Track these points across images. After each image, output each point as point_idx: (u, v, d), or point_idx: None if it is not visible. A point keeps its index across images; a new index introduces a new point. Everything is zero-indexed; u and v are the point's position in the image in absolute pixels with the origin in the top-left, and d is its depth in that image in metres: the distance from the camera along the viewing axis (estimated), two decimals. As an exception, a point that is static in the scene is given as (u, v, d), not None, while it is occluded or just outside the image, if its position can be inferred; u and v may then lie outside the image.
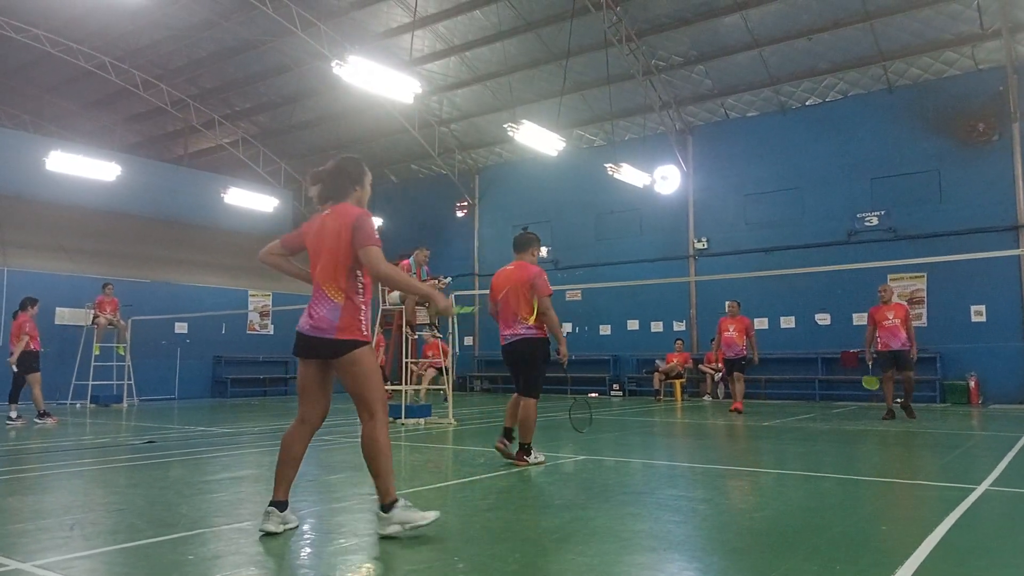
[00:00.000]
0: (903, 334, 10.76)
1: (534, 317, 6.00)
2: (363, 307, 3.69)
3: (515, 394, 6.29)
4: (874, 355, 11.01)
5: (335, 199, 3.87)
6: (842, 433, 9.09)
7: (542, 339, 6.08)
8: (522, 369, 6.10)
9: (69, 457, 7.06)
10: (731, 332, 12.47)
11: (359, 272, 3.67)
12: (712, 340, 14.16)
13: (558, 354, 6.22)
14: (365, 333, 3.68)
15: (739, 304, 13.12)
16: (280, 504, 3.66)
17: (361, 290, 3.68)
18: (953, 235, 15.10)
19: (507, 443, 6.25)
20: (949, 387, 14.72)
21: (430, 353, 14.29)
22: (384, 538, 3.53)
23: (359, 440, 3.73)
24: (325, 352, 3.64)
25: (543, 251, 21.44)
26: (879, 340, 10.90)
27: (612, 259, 19.34)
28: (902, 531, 3.88)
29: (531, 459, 6.05)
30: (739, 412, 12.06)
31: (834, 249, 16.39)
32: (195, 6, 17.86)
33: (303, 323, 3.71)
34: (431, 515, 3.61)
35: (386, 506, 3.56)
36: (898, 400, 11.23)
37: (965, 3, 14.43)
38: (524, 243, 6.45)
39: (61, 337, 15.66)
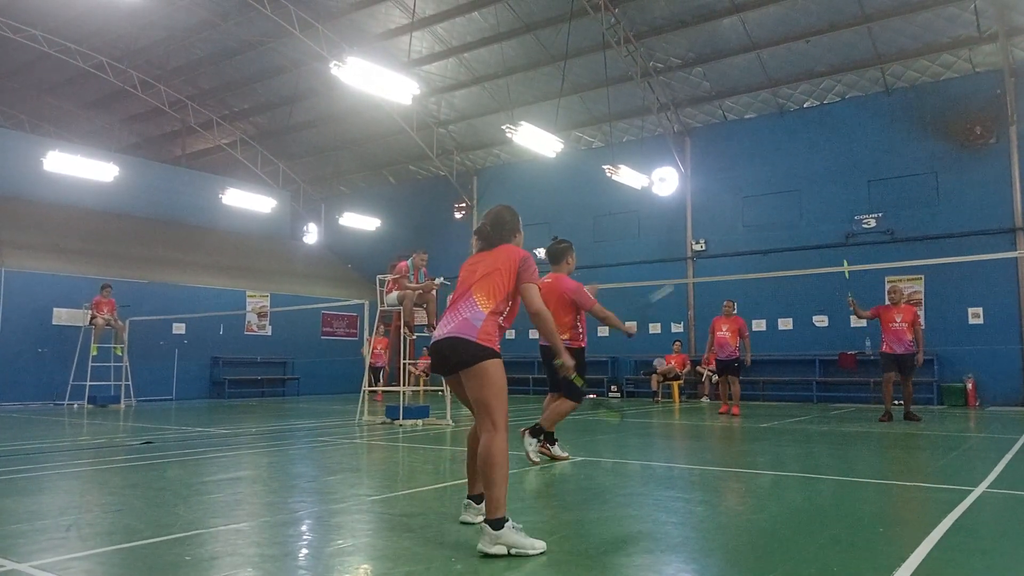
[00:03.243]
0: (908, 337, 10.65)
1: (568, 331, 6.13)
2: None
3: (549, 393, 6.48)
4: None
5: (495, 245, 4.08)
6: (840, 435, 9.10)
7: (578, 350, 6.13)
8: (559, 377, 6.18)
9: (66, 458, 7.05)
10: (724, 332, 12.39)
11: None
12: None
13: (627, 332, 6.66)
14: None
15: (735, 304, 13.11)
16: (476, 498, 3.91)
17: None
18: (951, 237, 15.13)
19: (547, 446, 6.38)
20: (946, 389, 14.75)
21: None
22: (485, 555, 3.31)
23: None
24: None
25: (541, 253, 21.55)
26: (884, 342, 10.83)
27: (610, 261, 19.35)
28: (900, 533, 3.88)
29: (554, 450, 6.23)
30: (735, 415, 12.04)
31: (832, 251, 16.40)
32: (193, 7, 17.86)
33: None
34: (540, 545, 3.41)
35: (495, 522, 3.37)
36: (897, 402, 11.22)
37: (962, 6, 14.47)
38: (559, 254, 6.43)
39: (59, 337, 15.65)
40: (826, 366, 16.40)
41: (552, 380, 6.44)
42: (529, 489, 5.27)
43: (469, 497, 4.00)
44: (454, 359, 3.62)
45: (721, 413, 12.27)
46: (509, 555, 3.31)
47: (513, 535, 3.39)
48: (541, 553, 3.35)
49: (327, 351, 21.01)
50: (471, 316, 3.69)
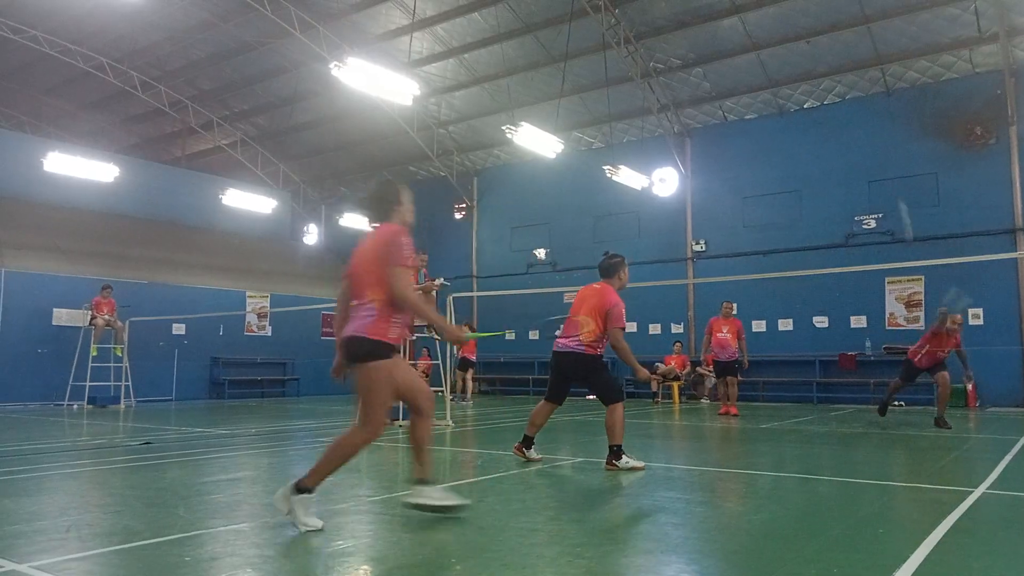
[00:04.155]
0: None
1: (594, 339, 6.07)
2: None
3: (545, 401, 6.35)
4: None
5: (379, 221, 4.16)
6: (840, 436, 9.10)
7: (595, 356, 6.11)
8: (589, 384, 6.20)
9: (66, 458, 7.04)
10: (724, 334, 12.43)
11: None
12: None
13: (637, 376, 6.43)
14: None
15: (734, 306, 13.14)
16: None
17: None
18: (951, 238, 15.11)
19: (526, 451, 6.31)
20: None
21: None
22: (388, 534, 3.64)
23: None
24: None
25: (541, 253, 21.62)
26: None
27: (610, 261, 19.30)
28: (900, 534, 3.88)
29: (621, 463, 5.89)
30: (733, 415, 12.07)
31: (832, 252, 16.40)
32: (193, 7, 17.86)
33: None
34: (315, 523, 3.76)
35: (299, 486, 3.77)
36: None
37: (962, 7, 14.46)
38: (611, 268, 6.38)
39: (58, 338, 15.65)
40: (826, 367, 16.39)
41: (552, 387, 6.34)
42: (529, 490, 5.27)
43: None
44: (349, 356, 3.89)
45: (721, 414, 12.27)
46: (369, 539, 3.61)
47: (298, 506, 3.73)
48: (319, 529, 3.72)
49: (327, 351, 20.88)
50: (365, 313, 3.83)
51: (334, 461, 3.82)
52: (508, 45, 18.03)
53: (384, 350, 3.80)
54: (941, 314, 10.09)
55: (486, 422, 11.57)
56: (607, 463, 5.97)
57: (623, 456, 5.92)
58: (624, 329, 6.14)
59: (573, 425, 10.80)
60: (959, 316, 10.05)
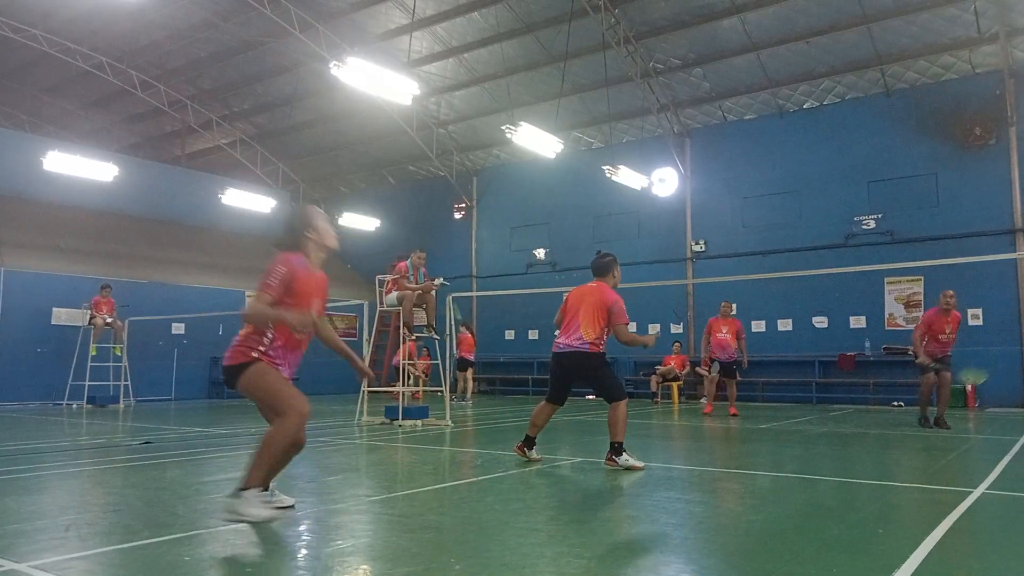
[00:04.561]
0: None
1: (594, 335, 6.06)
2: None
3: (544, 401, 6.36)
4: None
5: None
6: (839, 436, 9.10)
7: (598, 354, 6.12)
8: (592, 383, 6.18)
9: (66, 457, 7.04)
10: (724, 334, 12.45)
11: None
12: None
13: (648, 343, 6.49)
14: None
15: (733, 306, 13.16)
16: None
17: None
18: (950, 239, 15.12)
19: (527, 451, 6.31)
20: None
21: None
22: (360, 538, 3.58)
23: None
24: None
25: (540, 253, 21.61)
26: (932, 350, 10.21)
27: (610, 261, 19.29)
28: (899, 534, 3.88)
29: (621, 460, 5.91)
30: (733, 415, 12.10)
31: (832, 252, 16.41)
32: (193, 7, 17.85)
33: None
34: (267, 514, 3.74)
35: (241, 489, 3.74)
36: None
37: (962, 7, 14.47)
38: (604, 267, 6.42)
39: (58, 337, 15.65)
40: (825, 367, 16.40)
41: (553, 388, 6.32)
42: (529, 489, 5.27)
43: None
44: (229, 384, 3.98)
45: (732, 415, 12.23)
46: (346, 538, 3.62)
47: (241, 502, 3.67)
48: (276, 516, 3.80)
49: (326, 351, 20.93)
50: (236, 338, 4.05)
51: (266, 457, 3.78)
52: (508, 45, 18.03)
53: (245, 366, 3.93)
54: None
55: (486, 422, 11.57)
56: (607, 459, 6.00)
57: (623, 453, 5.94)
58: (627, 325, 6.17)
59: (573, 425, 10.80)
60: (950, 291, 9.95)
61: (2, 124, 23.08)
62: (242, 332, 4.02)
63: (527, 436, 6.37)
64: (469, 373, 17.27)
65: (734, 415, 12.20)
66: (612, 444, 5.99)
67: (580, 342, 6.07)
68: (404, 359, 11.26)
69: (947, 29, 14.97)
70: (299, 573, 3.17)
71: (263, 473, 3.80)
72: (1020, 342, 14.58)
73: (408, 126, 21.14)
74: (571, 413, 12.53)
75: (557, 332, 6.39)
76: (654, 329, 18.76)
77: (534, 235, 21.30)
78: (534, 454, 6.35)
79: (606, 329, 6.12)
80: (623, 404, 6.02)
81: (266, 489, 3.93)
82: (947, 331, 9.82)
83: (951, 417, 12.10)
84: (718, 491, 5.30)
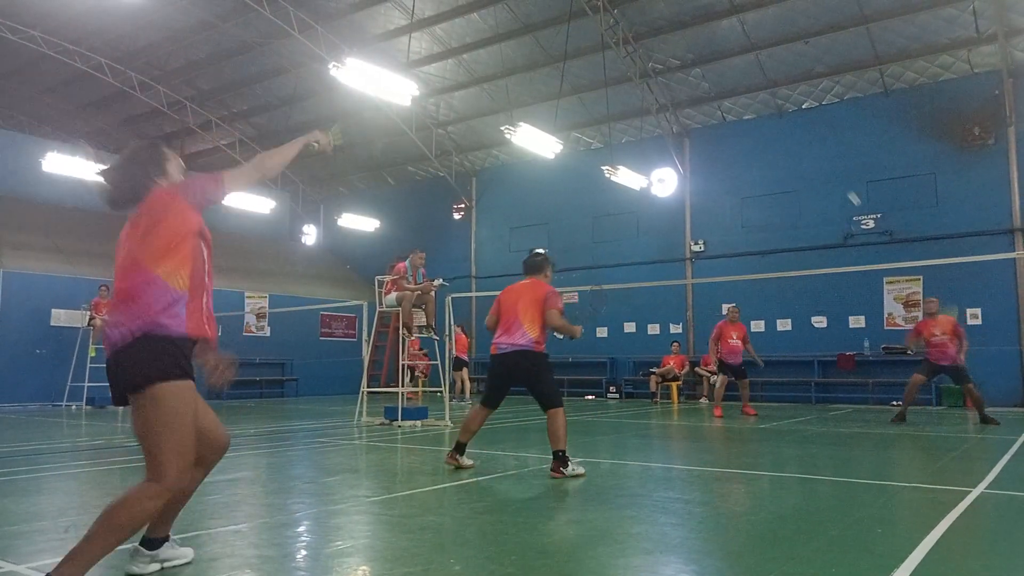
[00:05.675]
0: (952, 350, 10.48)
1: (538, 332, 5.90)
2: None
3: (480, 406, 6.11)
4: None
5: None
6: (838, 436, 9.11)
7: (542, 354, 5.95)
8: (532, 385, 5.91)
9: (64, 459, 7.04)
10: (735, 340, 12.48)
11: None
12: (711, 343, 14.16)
13: (574, 333, 6.13)
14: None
15: (739, 310, 13.21)
16: (151, 542, 3.11)
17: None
18: (949, 238, 15.14)
19: (459, 458, 6.02)
20: (945, 390, 14.74)
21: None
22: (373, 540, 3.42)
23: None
24: None
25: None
26: (928, 356, 10.69)
27: (609, 261, 19.35)
28: (898, 534, 3.88)
29: (568, 470, 5.61)
30: (751, 415, 12.21)
31: (830, 252, 16.42)
32: (192, 8, 17.84)
33: None
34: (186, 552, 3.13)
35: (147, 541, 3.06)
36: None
37: (961, 7, 14.48)
38: (537, 266, 6.28)
39: (57, 338, 15.63)
40: (825, 367, 16.40)
41: (492, 391, 6.11)
42: (528, 490, 5.27)
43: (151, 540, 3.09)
44: (121, 381, 2.80)
45: (749, 415, 12.25)
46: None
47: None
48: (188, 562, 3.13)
49: (326, 352, 21.01)
50: (131, 310, 2.74)
51: (114, 538, 2.64)
52: (507, 45, 18.03)
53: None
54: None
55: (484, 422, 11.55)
56: (553, 470, 5.65)
57: (569, 463, 5.66)
58: (563, 312, 5.96)
59: (572, 425, 10.77)
60: (929, 302, 11.02)
61: (2, 125, 23.07)
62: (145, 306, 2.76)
63: (458, 443, 6.07)
64: (464, 373, 17.27)
65: (753, 415, 12.25)
66: (556, 454, 5.67)
67: (525, 339, 5.88)
68: (405, 359, 11.25)
69: (946, 29, 14.99)
70: (299, 574, 3.17)
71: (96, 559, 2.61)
72: (1019, 341, 14.59)
73: (407, 127, 21.14)
74: (571, 413, 12.50)
75: (494, 334, 6.17)
76: (653, 329, 18.89)
77: (533, 235, 21.29)
78: (466, 460, 6.07)
79: (545, 326, 5.96)
80: (561, 411, 5.77)
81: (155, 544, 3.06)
82: (937, 333, 10.42)
83: (952, 416, 12.11)
84: (718, 491, 5.30)
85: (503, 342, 5.99)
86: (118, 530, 2.62)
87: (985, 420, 10.27)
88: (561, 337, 6.21)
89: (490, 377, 6.17)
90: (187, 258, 2.87)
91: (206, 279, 2.98)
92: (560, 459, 5.65)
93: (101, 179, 3.04)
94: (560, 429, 5.70)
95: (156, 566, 3.06)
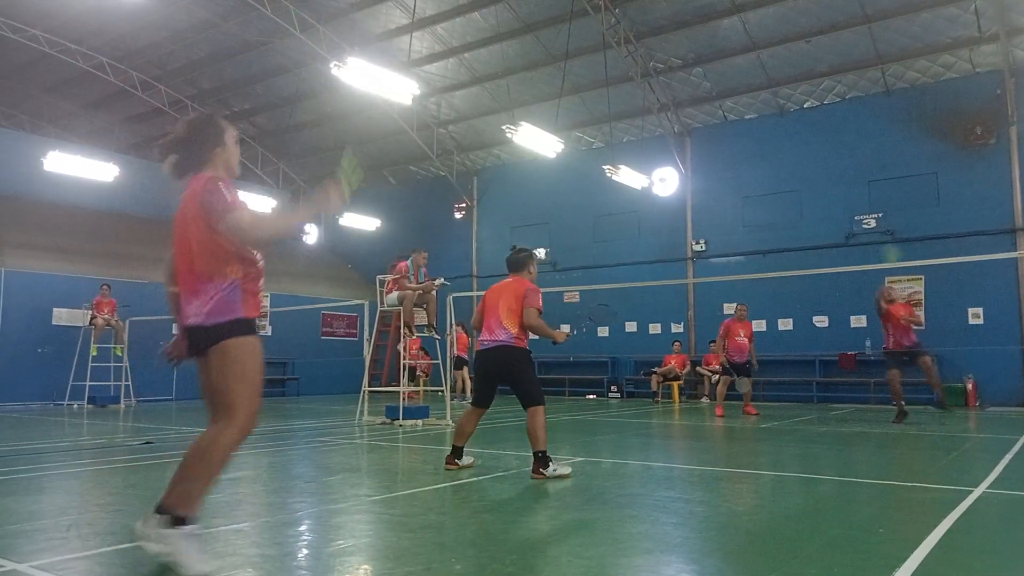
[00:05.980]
0: (913, 334, 11.03)
1: (517, 327, 5.84)
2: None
3: (472, 406, 6.06)
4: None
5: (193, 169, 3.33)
6: (840, 435, 9.10)
7: (523, 349, 5.89)
8: (513, 381, 5.83)
9: (66, 458, 7.05)
10: (743, 338, 12.48)
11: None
12: (714, 342, 14.15)
13: (556, 339, 6.03)
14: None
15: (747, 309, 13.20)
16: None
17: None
18: (950, 238, 15.12)
19: (458, 462, 5.97)
20: (946, 389, 14.71)
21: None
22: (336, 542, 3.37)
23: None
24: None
25: (541, 252, 21.58)
26: (887, 345, 11.06)
27: (610, 261, 19.35)
28: (900, 534, 3.88)
29: (549, 471, 5.51)
30: (753, 415, 12.21)
31: (832, 251, 16.41)
32: (194, 7, 17.85)
33: None
34: (205, 568, 2.91)
35: (178, 519, 2.96)
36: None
37: (963, 7, 14.46)
38: (519, 263, 6.23)
39: (58, 338, 15.64)
40: (826, 366, 16.40)
41: (480, 390, 6.03)
42: (529, 489, 5.27)
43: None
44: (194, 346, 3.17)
45: (751, 415, 12.26)
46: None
47: (182, 542, 2.89)
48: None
49: (327, 351, 21.01)
50: (201, 288, 3.15)
51: (212, 471, 3.03)
52: (508, 45, 18.03)
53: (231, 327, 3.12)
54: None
55: (485, 422, 11.55)
56: (534, 472, 5.54)
57: (550, 463, 5.56)
58: (541, 312, 5.91)
59: (573, 425, 10.81)
60: (885, 289, 11.44)
61: (2, 124, 23.08)
62: (210, 283, 3.22)
63: (455, 447, 6.00)
64: (465, 372, 17.28)
65: (755, 414, 12.24)
66: (536, 455, 5.56)
67: (506, 335, 5.84)
68: (405, 358, 11.25)
69: (947, 28, 14.97)
70: (300, 573, 3.17)
71: (202, 496, 3.00)
72: (1020, 341, 14.57)
73: (408, 126, 21.14)
74: (571, 413, 12.52)
75: (478, 333, 6.15)
76: (655, 329, 18.89)
77: (534, 235, 21.28)
78: (465, 460, 6.03)
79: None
80: (542, 410, 5.65)
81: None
82: (903, 315, 10.95)
83: (952, 417, 12.11)
84: (719, 491, 5.29)
85: (486, 339, 5.98)
86: (218, 464, 3.07)
87: (901, 415, 10.74)
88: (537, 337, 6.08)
89: (476, 375, 6.15)
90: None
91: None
92: (540, 460, 5.56)
93: (167, 149, 3.41)
94: (539, 429, 5.59)
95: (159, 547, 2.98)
